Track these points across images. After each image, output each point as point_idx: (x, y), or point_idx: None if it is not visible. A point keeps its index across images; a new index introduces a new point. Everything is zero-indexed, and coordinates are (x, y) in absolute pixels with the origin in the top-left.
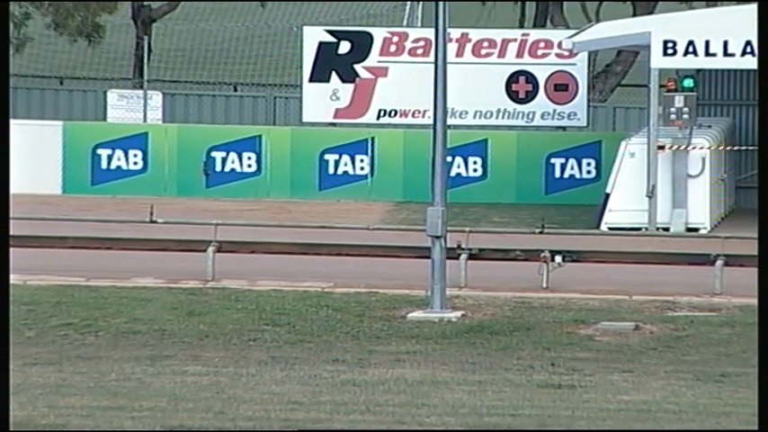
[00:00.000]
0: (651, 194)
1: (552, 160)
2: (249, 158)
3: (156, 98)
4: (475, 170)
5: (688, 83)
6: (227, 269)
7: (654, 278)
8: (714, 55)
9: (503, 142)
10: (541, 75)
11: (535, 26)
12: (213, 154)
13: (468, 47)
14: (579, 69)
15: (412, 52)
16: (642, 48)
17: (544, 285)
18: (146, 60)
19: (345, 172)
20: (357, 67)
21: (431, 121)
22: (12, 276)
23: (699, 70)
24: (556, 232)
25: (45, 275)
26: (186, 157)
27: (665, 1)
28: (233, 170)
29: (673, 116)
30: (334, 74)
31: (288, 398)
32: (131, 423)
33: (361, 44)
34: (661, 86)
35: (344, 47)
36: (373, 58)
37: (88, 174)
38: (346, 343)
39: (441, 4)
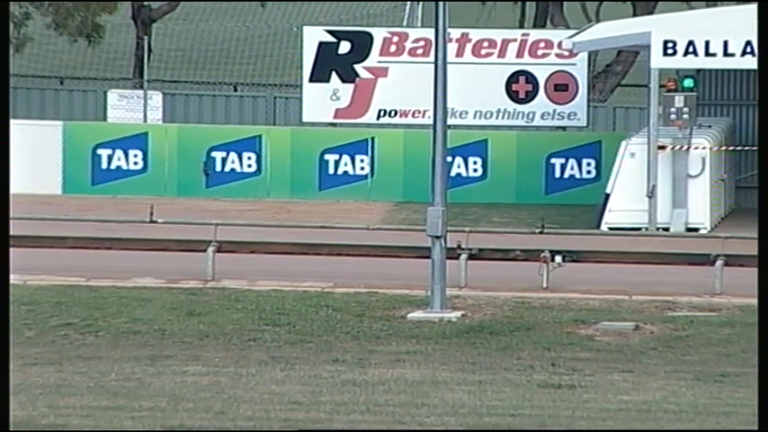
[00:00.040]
0: (651, 194)
1: (552, 160)
2: (249, 158)
3: (156, 98)
4: (475, 170)
5: (688, 83)
6: (227, 269)
7: (654, 278)
8: (714, 55)
9: (503, 142)
10: (541, 75)
11: (535, 26)
12: (213, 154)
13: (469, 47)
14: (579, 69)
15: (412, 52)
16: (642, 48)
17: (544, 285)
18: (146, 60)
19: (345, 172)
20: (357, 67)
21: (431, 121)
22: (12, 276)
23: (699, 70)
24: (556, 232)
25: (45, 275)
26: (186, 157)
27: (665, 1)
28: (233, 170)
29: (673, 116)
30: (334, 74)
31: (288, 398)
32: (131, 423)
33: (362, 44)
34: (661, 86)
35: (344, 47)
36: (373, 59)
37: (88, 174)
38: (346, 343)
39: (441, 4)
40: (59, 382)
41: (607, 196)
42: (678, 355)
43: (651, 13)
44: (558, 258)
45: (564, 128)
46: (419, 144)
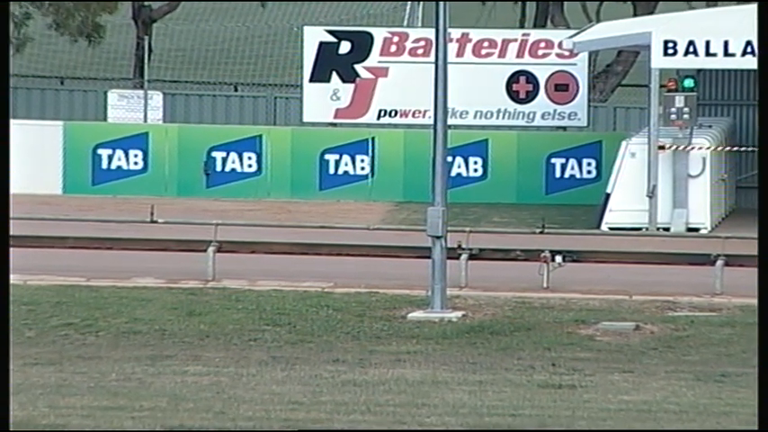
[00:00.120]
0: (651, 194)
1: (552, 160)
2: (249, 158)
3: (156, 98)
4: (475, 170)
5: (688, 83)
6: (228, 269)
7: (654, 278)
8: (714, 55)
9: (503, 142)
10: (542, 75)
11: (535, 26)
12: (213, 154)
13: (469, 47)
14: (580, 69)
15: (412, 52)
16: (642, 48)
17: (544, 285)
18: (146, 60)
19: (346, 172)
20: (357, 67)
21: (431, 121)
22: (12, 276)
23: (699, 70)
24: (556, 232)
25: (45, 275)
26: (186, 157)
27: (666, 1)
28: (233, 170)
29: (673, 116)
30: (334, 74)
31: (288, 398)
32: (131, 423)
33: (362, 44)
34: (661, 86)
35: (345, 47)
36: (374, 59)
37: (89, 174)
38: (347, 343)
39: (441, 4)
40: (60, 382)
41: (607, 196)
42: (678, 355)
43: (651, 13)
44: (559, 258)
45: (564, 128)
46: (419, 144)
